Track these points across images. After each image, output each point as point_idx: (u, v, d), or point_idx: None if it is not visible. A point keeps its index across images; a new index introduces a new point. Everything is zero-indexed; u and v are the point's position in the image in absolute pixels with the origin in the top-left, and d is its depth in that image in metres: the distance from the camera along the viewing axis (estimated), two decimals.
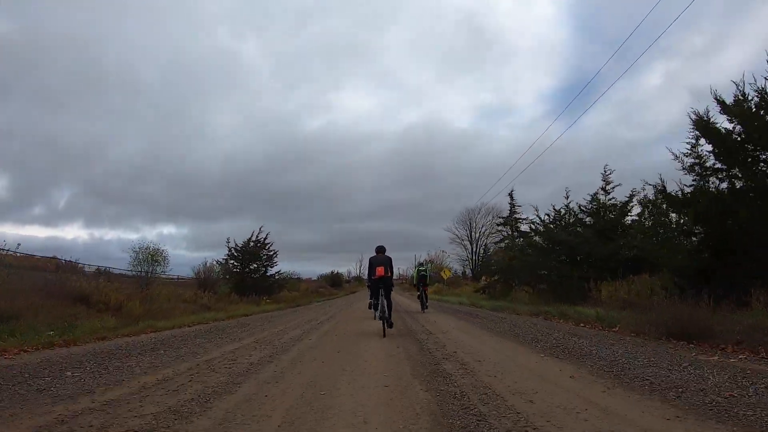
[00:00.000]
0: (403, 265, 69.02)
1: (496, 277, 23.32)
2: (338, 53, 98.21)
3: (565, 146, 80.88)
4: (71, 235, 74.37)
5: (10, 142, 57.88)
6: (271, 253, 23.67)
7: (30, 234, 72.91)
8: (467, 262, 47.97)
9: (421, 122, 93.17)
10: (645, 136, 61.47)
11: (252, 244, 22.98)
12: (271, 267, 23.64)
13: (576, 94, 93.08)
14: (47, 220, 65.89)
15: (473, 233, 47.07)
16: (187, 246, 63.44)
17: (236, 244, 22.78)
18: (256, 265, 22.97)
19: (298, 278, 34.72)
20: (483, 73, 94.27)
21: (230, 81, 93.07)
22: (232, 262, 22.47)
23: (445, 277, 30.67)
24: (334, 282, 52.03)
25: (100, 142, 73.96)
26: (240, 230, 74.31)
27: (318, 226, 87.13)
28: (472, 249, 46.67)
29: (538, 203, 43.55)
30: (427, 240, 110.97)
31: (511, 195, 26.06)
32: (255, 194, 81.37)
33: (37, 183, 64.53)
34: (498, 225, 29.54)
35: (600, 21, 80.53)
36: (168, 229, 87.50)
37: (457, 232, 47.40)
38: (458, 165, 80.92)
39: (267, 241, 23.57)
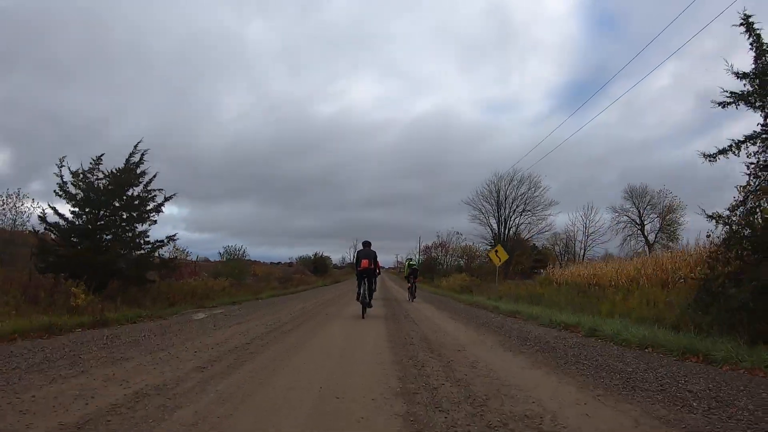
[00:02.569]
0: (402, 253, 68.10)
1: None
2: (347, 40, 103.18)
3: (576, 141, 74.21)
4: (69, 212, 66.91)
5: (13, 116, 55.32)
6: (152, 194, 11.20)
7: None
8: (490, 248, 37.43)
9: (431, 113, 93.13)
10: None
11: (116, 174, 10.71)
12: (143, 224, 11.17)
13: (595, 91, 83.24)
14: (46, 196, 57.82)
15: (501, 210, 36.32)
16: (186, 227, 60.99)
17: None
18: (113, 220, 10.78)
19: (247, 259, 23.73)
20: (496, 66, 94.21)
21: (240, 63, 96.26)
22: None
23: (498, 261, 16.96)
24: (317, 267, 41.30)
25: (104, 118, 71.83)
26: (240, 214, 74.37)
27: (321, 213, 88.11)
28: (499, 230, 36.01)
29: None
30: (431, 230, 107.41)
31: None
32: (258, 178, 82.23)
33: (37, 159, 60.53)
34: None
35: (618, 16, 75.18)
36: (169, 209, 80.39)
37: (480, 206, 36.60)
38: (467, 158, 78.43)
39: (143, 169, 11.06)
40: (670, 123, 58.21)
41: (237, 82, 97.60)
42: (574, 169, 52.15)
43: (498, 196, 36.75)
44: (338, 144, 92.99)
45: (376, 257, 10.29)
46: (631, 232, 38.53)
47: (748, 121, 7.03)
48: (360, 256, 10.05)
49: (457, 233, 41.97)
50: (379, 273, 11.49)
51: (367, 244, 10.25)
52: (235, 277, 19.90)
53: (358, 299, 9.90)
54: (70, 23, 75.09)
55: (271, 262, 51.78)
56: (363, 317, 9.50)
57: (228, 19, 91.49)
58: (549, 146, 68.32)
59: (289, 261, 49.66)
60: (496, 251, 15.15)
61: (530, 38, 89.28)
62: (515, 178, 35.91)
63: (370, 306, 9.83)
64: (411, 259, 19.49)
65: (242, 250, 23.38)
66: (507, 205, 36.66)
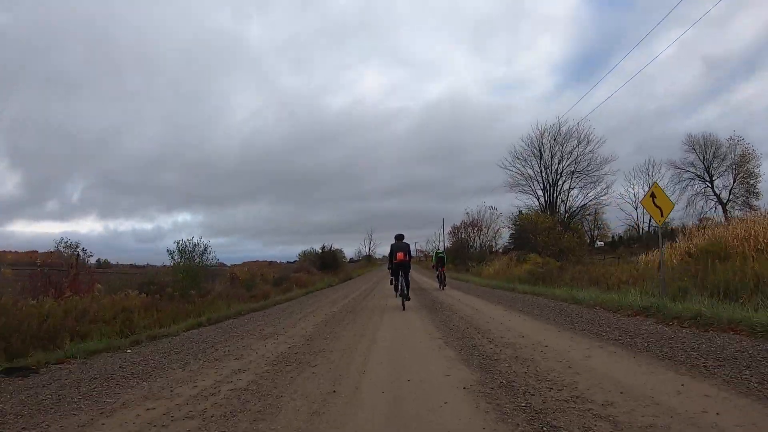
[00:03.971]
0: (421, 241, 65.82)
1: None
2: (352, 30, 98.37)
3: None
4: (85, 228, 74.08)
5: (21, 135, 56.73)
6: None
7: (44, 231, 69.32)
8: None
9: (443, 96, 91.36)
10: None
11: None
12: None
13: (613, 66, 73.92)
14: (61, 215, 65.59)
15: (548, 172, 28.72)
16: (202, 232, 59.30)
17: None
18: None
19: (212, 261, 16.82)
20: (505, 45, 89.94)
21: (246, 62, 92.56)
22: None
23: (660, 216, 7.76)
24: (325, 262, 34.33)
25: (113, 130, 71.88)
26: (257, 215, 74.12)
27: (337, 206, 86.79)
28: (546, 198, 28.44)
29: None
30: (450, 215, 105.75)
31: None
32: (273, 176, 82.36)
33: (50, 177, 63.22)
34: None
35: None
36: (183, 217, 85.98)
37: (520, 170, 29.06)
38: (482, 139, 76.09)
39: None
40: (678, 92, 53.76)
41: (246, 81, 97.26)
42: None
43: (542, 156, 29.06)
44: (352, 135, 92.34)
45: (409, 249, 10.28)
46: (698, 191, 30.60)
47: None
48: (394, 249, 10.07)
49: (492, 208, 34.51)
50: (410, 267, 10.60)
51: (400, 237, 10.21)
52: (183, 288, 13.11)
53: (396, 293, 9.88)
54: (73, 36, 76.40)
55: (270, 261, 45.27)
56: (403, 309, 9.31)
57: (228, 19, 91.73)
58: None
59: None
60: (653, 197, 7.48)
61: (538, 14, 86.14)
62: (561, 131, 28.19)
63: (408, 299, 9.68)
64: (440, 250, 18.82)
65: (201, 245, 16.54)
66: (553, 167, 29.01)
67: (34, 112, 65.23)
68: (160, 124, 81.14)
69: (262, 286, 21.11)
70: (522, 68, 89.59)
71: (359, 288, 18.39)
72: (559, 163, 28.91)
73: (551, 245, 18.67)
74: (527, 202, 29.55)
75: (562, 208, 28.75)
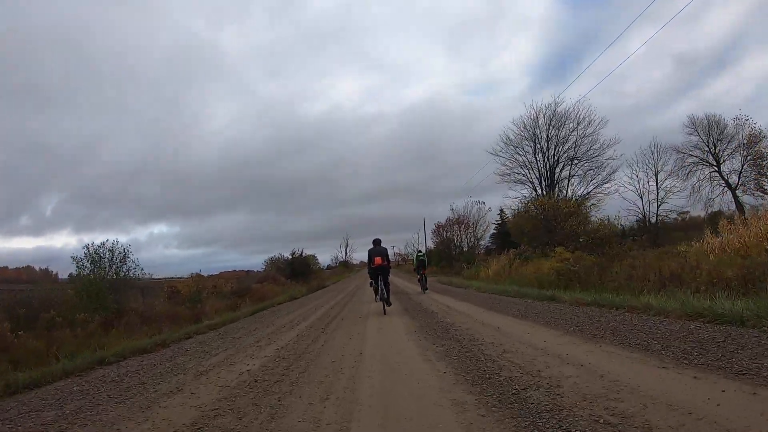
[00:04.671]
0: (401, 244, 61.62)
1: None
2: (327, 35, 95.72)
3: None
4: (60, 243, 73.82)
5: None
6: None
7: (18, 246, 68.91)
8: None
9: (420, 100, 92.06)
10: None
11: None
12: None
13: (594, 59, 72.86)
14: (35, 230, 64.54)
15: (544, 158, 25.75)
16: (178, 245, 58.84)
17: None
18: None
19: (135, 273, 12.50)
20: (480, 47, 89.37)
21: (223, 71, 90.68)
22: None
23: None
24: (295, 270, 30.23)
25: (89, 142, 71.33)
26: (235, 224, 71.94)
27: (316, 214, 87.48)
28: (542, 188, 25.42)
29: None
30: (431, 217, 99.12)
31: None
32: (251, 185, 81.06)
33: (23, 190, 61.80)
34: None
35: None
36: (159, 228, 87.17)
37: (516, 157, 26.01)
38: (460, 141, 77.02)
39: None
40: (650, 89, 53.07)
41: (222, 90, 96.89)
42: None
43: (536, 140, 25.99)
44: (330, 141, 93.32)
45: (387, 254, 10.31)
46: (703, 176, 28.18)
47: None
48: (372, 253, 9.98)
49: (480, 202, 31.24)
50: (390, 267, 10.66)
51: (377, 242, 10.22)
52: (74, 311, 9.18)
53: (376, 297, 9.74)
54: (48, 46, 74.19)
55: (248, 271, 41.03)
56: (384, 313, 9.14)
57: (203, 28, 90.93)
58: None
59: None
60: None
61: (513, 14, 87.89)
62: (557, 111, 25.20)
63: (389, 304, 9.64)
64: (420, 252, 18.04)
65: (121, 250, 12.52)
66: (549, 152, 26.00)
67: (7, 124, 64.00)
68: (136, 135, 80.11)
69: (211, 301, 17.06)
70: (498, 69, 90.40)
71: (329, 301, 14.55)
72: (555, 148, 25.91)
73: (583, 237, 15.15)
74: (523, 192, 26.41)
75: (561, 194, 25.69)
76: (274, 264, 31.52)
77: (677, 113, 54.26)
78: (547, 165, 25.58)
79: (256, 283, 25.65)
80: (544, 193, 25.83)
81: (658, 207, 26.81)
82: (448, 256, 31.76)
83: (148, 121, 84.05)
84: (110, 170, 70.45)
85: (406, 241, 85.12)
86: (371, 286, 10.03)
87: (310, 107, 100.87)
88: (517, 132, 26.32)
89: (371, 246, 10.16)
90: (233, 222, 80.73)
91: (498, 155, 26.62)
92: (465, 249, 30.59)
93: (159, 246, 77.43)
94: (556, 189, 25.85)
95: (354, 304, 12.59)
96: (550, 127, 25.54)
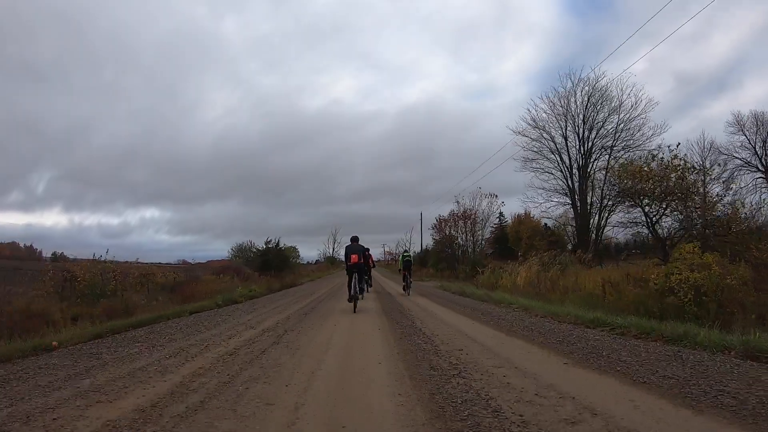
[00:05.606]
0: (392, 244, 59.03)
1: None
2: (331, 31, 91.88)
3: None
4: (50, 221, 73.31)
5: None
6: None
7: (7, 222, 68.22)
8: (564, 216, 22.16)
9: (419, 101, 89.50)
10: None
11: None
12: None
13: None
14: (25, 206, 66.45)
15: (580, 145, 20.99)
16: (169, 230, 58.95)
17: None
18: None
19: None
20: (482, 50, 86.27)
21: (222, 60, 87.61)
22: None
23: None
24: (267, 262, 25.16)
25: (83, 122, 69.72)
26: (226, 214, 70.50)
27: (309, 209, 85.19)
28: (572, 181, 20.72)
29: None
30: (424, 218, 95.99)
31: None
32: (243, 176, 78.97)
33: (15, 166, 61.79)
34: None
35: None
36: (150, 213, 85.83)
37: (544, 140, 21.27)
38: (456, 144, 74.74)
39: None
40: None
41: (220, 79, 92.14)
42: None
43: (567, 119, 21.24)
44: (325, 138, 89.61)
45: (365, 252, 10.38)
46: (750, 182, 23.31)
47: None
48: (348, 251, 9.71)
49: (492, 195, 26.38)
50: (374, 266, 11.46)
51: (355, 239, 9.97)
52: None
53: (349, 300, 9.21)
54: (44, 24, 70.00)
55: (223, 259, 35.78)
56: (354, 311, 8.71)
57: (204, 16, 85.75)
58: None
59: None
60: None
61: (517, 21, 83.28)
62: (598, 86, 20.43)
63: (361, 296, 9.66)
64: (406, 252, 17.14)
65: None
66: (584, 134, 21.24)
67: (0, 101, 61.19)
68: (131, 118, 76.58)
69: (127, 296, 12.00)
70: (498, 75, 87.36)
71: (284, 310, 9.55)
72: (590, 132, 21.11)
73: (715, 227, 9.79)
74: (547, 185, 21.58)
75: (593, 196, 20.92)
76: (243, 253, 26.29)
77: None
78: (583, 150, 20.77)
79: (213, 274, 20.56)
80: (576, 186, 21.06)
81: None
82: (451, 257, 26.81)
83: (143, 106, 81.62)
84: (103, 151, 68.27)
85: (397, 240, 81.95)
86: (349, 298, 9.30)
87: (308, 102, 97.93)
88: (546, 110, 21.51)
89: (349, 243, 10.05)
90: (224, 212, 77.76)
91: (524, 134, 21.75)
92: (469, 250, 25.63)
93: (149, 230, 77.95)
94: (586, 185, 21.10)
95: (316, 318, 7.71)
96: (588, 107, 20.72)
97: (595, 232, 20.18)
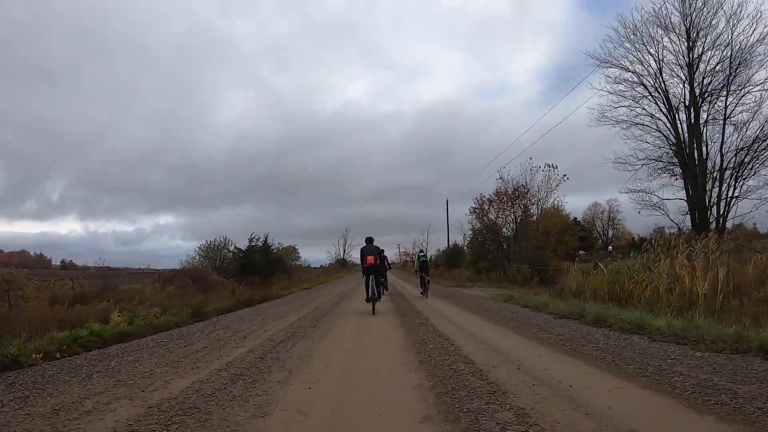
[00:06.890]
0: (409, 246, 59.92)
1: None
2: (343, 32, 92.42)
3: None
4: (65, 229, 74.14)
5: (1, 130, 52.74)
6: None
7: (21, 231, 69.60)
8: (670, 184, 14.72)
9: (436, 101, 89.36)
10: None
11: None
12: None
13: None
14: (40, 215, 64.65)
15: (684, 73, 13.45)
16: (183, 235, 57.19)
17: None
18: None
19: None
20: (500, 48, 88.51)
21: (234, 62, 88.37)
22: None
23: None
24: (246, 266, 19.20)
25: (98, 127, 68.97)
26: (241, 218, 67.53)
27: (325, 210, 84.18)
28: (675, 130, 13.33)
29: None
30: (439, 220, 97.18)
31: None
32: (259, 179, 78.84)
33: (29, 174, 60.14)
34: None
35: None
36: (165, 219, 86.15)
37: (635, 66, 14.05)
38: (473, 145, 73.98)
39: None
40: None
41: (235, 82, 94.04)
42: (580, 152, 42.42)
43: (667, 27, 14.19)
44: (342, 138, 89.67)
45: (381, 253, 10.27)
46: None
47: None
48: (364, 252, 9.75)
49: (550, 166, 19.49)
50: (389, 267, 12.19)
51: (369, 240, 10.03)
52: None
53: (367, 300, 9.34)
54: (59, 25, 72.10)
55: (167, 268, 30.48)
56: (373, 313, 8.89)
57: (217, 17, 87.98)
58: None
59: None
60: None
61: (535, 19, 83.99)
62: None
63: (378, 300, 9.53)
64: (422, 252, 16.26)
65: None
66: (693, 60, 14.07)
67: (14, 105, 61.97)
68: (146, 122, 78.23)
69: None
70: (515, 73, 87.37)
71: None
72: (699, 61, 13.88)
73: None
74: (635, 145, 14.51)
75: (708, 154, 13.68)
76: (213, 253, 20.38)
77: None
78: (696, 89, 13.51)
79: (158, 283, 14.76)
80: (684, 141, 14.00)
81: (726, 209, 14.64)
82: (496, 254, 19.82)
83: (158, 109, 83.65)
84: (118, 157, 67.71)
85: (413, 240, 78.88)
86: (367, 298, 9.45)
87: (325, 103, 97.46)
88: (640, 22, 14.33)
89: (364, 245, 10.02)
90: (239, 216, 76.39)
91: (609, 63, 14.69)
92: (524, 242, 18.29)
93: (164, 236, 78.05)
94: (699, 141, 13.89)
95: None
96: (698, 16, 13.48)
97: (722, 207, 13.06)
